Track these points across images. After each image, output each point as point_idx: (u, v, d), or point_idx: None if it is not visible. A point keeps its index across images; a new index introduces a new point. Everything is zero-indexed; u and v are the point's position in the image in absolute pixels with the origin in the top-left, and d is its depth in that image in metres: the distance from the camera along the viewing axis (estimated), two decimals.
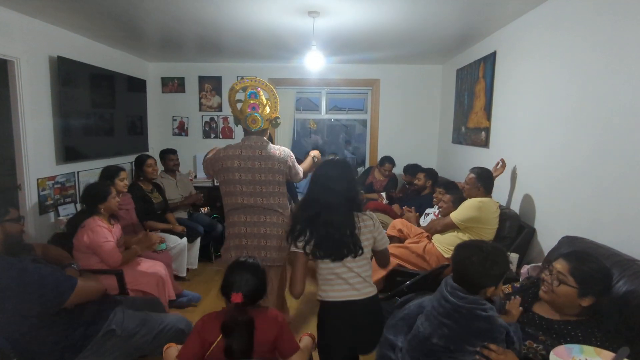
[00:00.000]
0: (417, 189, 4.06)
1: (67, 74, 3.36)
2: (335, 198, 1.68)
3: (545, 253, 2.34)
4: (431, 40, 3.61)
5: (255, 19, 3.04)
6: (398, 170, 4.73)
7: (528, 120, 2.73)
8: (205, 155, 2.50)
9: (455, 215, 2.58)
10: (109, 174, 3.10)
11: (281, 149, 2.35)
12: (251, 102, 2.29)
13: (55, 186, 3.38)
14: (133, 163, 3.92)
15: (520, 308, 1.61)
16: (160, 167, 3.98)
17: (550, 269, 1.53)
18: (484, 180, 2.61)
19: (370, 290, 1.71)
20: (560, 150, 2.34)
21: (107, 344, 1.76)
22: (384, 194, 4.35)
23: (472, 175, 2.65)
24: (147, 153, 3.94)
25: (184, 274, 3.47)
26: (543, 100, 2.54)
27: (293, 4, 2.71)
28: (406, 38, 3.51)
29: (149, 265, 2.85)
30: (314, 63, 3.27)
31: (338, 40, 3.66)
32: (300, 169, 2.45)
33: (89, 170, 3.76)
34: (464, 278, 1.42)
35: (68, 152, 3.43)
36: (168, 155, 4.04)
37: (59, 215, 3.33)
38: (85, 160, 3.72)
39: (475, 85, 3.65)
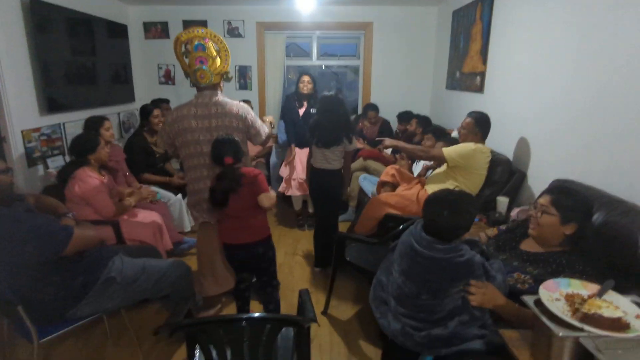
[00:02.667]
0: (408, 135, 4.04)
1: (41, 19, 3.16)
2: (330, 118, 2.74)
3: (536, 196, 2.39)
4: None
5: None
6: (387, 116, 4.67)
7: (526, 66, 2.67)
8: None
9: (447, 150, 2.55)
10: (93, 124, 3.02)
11: (239, 105, 2.23)
12: (198, 55, 2.11)
13: (42, 138, 3.30)
14: (138, 114, 3.82)
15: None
16: None
17: (535, 205, 1.59)
18: (481, 125, 2.58)
19: (335, 166, 2.82)
20: (558, 97, 2.30)
21: (107, 291, 1.80)
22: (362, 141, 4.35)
23: (470, 119, 2.60)
24: (151, 103, 3.85)
25: (188, 229, 3.49)
26: (542, 46, 2.47)
27: None
28: None
29: (145, 215, 2.87)
30: (306, 2, 3.08)
31: None
32: (263, 129, 2.33)
33: (75, 122, 3.65)
34: (438, 231, 1.44)
35: (51, 102, 3.30)
36: (161, 104, 3.96)
37: (47, 168, 3.28)
38: (70, 111, 3.60)
39: (471, 27, 3.52)
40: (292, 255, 3.35)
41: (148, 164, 3.50)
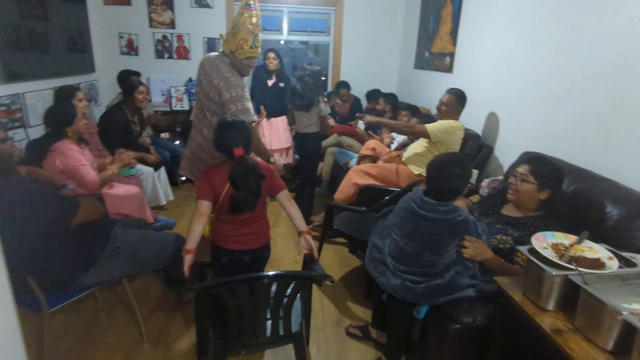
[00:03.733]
0: (378, 114, 4.22)
1: None
2: (303, 87, 3.25)
3: (505, 168, 2.66)
4: None
5: None
6: (358, 93, 4.81)
7: (494, 47, 2.90)
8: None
9: (430, 127, 2.69)
10: (65, 94, 2.87)
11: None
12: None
13: (1, 108, 3.07)
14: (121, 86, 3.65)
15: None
16: None
17: (514, 174, 1.81)
18: (462, 101, 2.77)
19: (312, 129, 3.37)
20: (523, 76, 2.56)
21: (113, 261, 1.82)
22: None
23: (451, 95, 2.76)
24: (138, 79, 3.66)
25: (163, 202, 3.45)
26: (511, 27, 2.70)
27: None
28: None
29: (125, 189, 2.81)
30: None
31: None
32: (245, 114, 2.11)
33: (35, 92, 3.42)
34: (446, 189, 1.62)
35: (8, 70, 3.07)
36: (132, 77, 3.76)
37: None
38: (27, 80, 3.35)
39: (442, 9, 3.70)
40: (272, 228, 3.44)
41: (124, 141, 3.34)
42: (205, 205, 1.63)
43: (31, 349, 1.86)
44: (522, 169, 1.78)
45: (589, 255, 1.22)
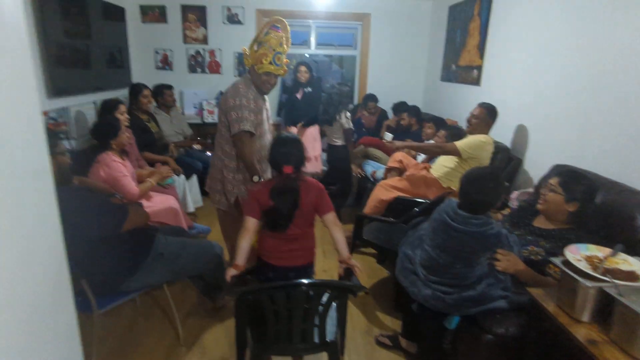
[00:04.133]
0: (405, 129, 4.26)
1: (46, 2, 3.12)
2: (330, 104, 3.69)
3: (535, 181, 2.65)
4: None
5: None
6: (383, 105, 4.87)
7: (522, 60, 2.91)
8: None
9: (460, 144, 2.71)
10: (108, 107, 3.06)
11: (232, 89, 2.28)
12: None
13: (49, 121, 3.29)
14: (129, 92, 3.83)
15: None
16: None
17: (545, 185, 1.83)
18: (492, 116, 2.77)
19: (338, 142, 3.79)
20: (552, 89, 2.56)
21: (156, 266, 1.92)
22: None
23: (482, 109, 2.77)
24: (142, 83, 3.82)
25: (191, 210, 3.58)
26: (539, 40, 2.71)
27: None
28: None
29: (162, 199, 2.95)
30: None
31: None
32: (240, 123, 2.19)
33: (78, 106, 3.64)
34: (480, 203, 1.65)
35: (57, 85, 3.29)
36: (164, 90, 3.97)
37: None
38: (73, 95, 3.57)
39: (469, 23, 3.74)
40: None
41: (146, 142, 3.51)
42: (250, 222, 1.69)
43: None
44: (554, 180, 1.80)
45: (624, 267, 1.23)
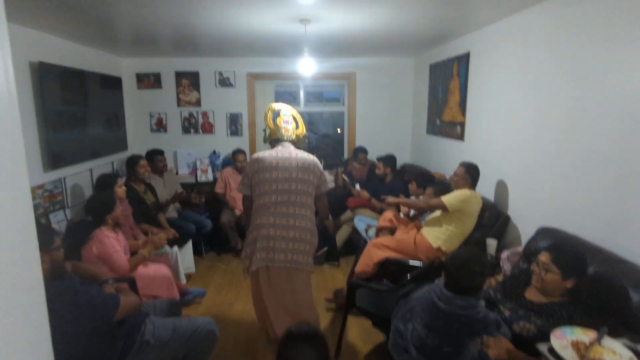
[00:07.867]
0: (380, 178, 4.32)
1: (47, 79, 3.27)
2: None
3: (522, 237, 2.69)
4: (406, 38, 3.77)
5: (238, 22, 3.07)
6: (372, 157, 4.96)
7: (500, 118, 3.05)
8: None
9: (446, 198, 2.80)
10: (106, 182, 3.10)
11: (315, 160, 2.56)
12: (285, 118, 2.66)
13: (45, 194, 3.34)
14: (126, 164, 3.88)
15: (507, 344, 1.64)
16: None
17: (537, 262, 1.84)
18: (471, 173, 2.90)
19: None
20: (527, 144, 2.68)
21: (143, 354, 1.90)
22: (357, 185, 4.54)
23: (461, 168, 2.94)
24: (138, 154, 3.91)
25: (184, 281, 3.55)
26: (513, 99, 2.86)
27: (284, 13, 2.80)
28: (383, 38, 3.68)
29: (155, 269, 2.94)
30: (307, 69, 3.39)
31: (321, 43, 3.78)
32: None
33: (74, 175, 3.71)
34: (466, 287, 1.67)
35: (55, 158, 3.37)
36: (156, 156, 4.05)
37: (50, 224, 3.31)
38: (71, 165, 3.66)
39: (449, 82, 3.92)
40: None
41: (141, 213, 3.54)
42: None
43: None
44: (544, 257, 1.79)
45: (609, 358, 1.24)
